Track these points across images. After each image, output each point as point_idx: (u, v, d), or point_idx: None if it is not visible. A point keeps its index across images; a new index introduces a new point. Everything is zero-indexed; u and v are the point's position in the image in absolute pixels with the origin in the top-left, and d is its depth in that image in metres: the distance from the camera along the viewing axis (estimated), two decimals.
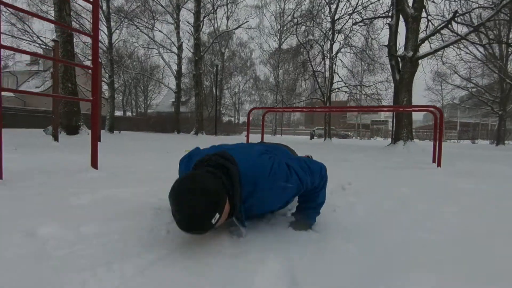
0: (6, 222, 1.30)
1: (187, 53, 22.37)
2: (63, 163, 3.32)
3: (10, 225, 1.26)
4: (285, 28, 20.17)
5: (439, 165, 4.40)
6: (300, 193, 1.31)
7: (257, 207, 1.24)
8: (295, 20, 15.73)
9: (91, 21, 3.01)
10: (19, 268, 0.92)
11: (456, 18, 9.56)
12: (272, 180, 1.15)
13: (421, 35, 10.05)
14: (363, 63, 16.95)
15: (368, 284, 0.90)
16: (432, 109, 4.83)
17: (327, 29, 16.03)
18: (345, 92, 18.54)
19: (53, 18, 10.81)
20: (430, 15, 11.07)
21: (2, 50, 2.15)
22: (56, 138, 6.46)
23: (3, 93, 2.16)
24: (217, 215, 1.01)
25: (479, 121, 33.39)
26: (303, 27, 16.00)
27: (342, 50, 16.71)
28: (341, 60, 17.76)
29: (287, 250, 1.11)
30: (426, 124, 41.48)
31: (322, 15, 15.57)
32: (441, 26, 10.05)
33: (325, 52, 16.66)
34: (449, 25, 9.81)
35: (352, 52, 16.73)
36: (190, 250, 1.11)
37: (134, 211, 1.56)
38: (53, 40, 7.21)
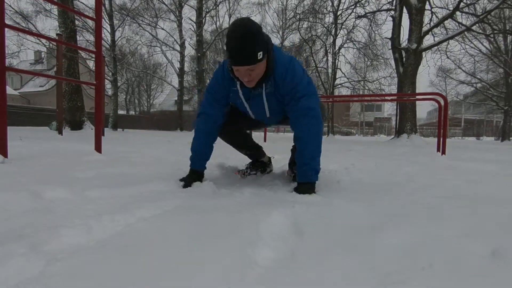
0: (12, 187, 1.31)
1: (189, 51, 22.38)
2: (68, 149, 3.34)
3: (16, 189, 1.26)
4: (287, 25, 20.06)
5: (443, 153, 4.37)
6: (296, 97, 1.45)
7: (277, 96, 1.48)
8: (298, 16, 15.66)
9: (94, 8, 3.02)
10: (26, 217, 0.93)
11: (461, 8, 9.47)
12: (291, 64, 1.43)
13: (425, 28, 9.97)
14: (366, 59, 16.84)
15: (369, 231, 0.89)
16: (436, 96, 4.79)
17: (330, 23, 15.94)
18: (348, 88, 18.42)
19: (56, 15, 10.86)
20: (435, 6, 10.98)
21: (7, 44, 2.18)
22: (60, 132, 6.51)
23: (8, 92, 2.22)
24: (262, 53, 1.27)
25: (484, 117, 32.97)
26: (306, 23, 15.93)
27: (345, 45, 16.63)
28: (344, 56, 17.63)
29: (291, 208, 1.11)
30: (430, 121, 41.00)
31: (325, 10, 15.48)
32: (446, 15, 9.95)
33: (327, 47, 16.56)
34: (454, 15, 9.72)
35: (355, 47, 16.63)
36: (196, 207, 1.12)
37: (139, 182, 1.56)
38: (57, 34, 7.25)
